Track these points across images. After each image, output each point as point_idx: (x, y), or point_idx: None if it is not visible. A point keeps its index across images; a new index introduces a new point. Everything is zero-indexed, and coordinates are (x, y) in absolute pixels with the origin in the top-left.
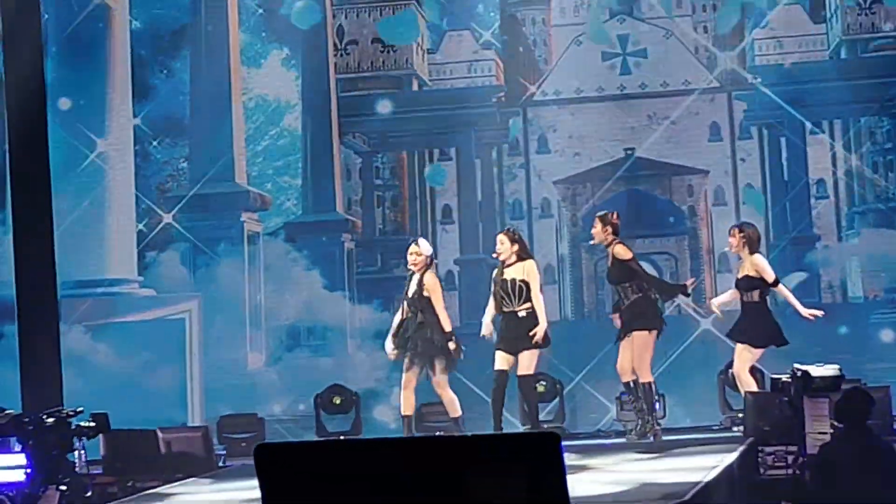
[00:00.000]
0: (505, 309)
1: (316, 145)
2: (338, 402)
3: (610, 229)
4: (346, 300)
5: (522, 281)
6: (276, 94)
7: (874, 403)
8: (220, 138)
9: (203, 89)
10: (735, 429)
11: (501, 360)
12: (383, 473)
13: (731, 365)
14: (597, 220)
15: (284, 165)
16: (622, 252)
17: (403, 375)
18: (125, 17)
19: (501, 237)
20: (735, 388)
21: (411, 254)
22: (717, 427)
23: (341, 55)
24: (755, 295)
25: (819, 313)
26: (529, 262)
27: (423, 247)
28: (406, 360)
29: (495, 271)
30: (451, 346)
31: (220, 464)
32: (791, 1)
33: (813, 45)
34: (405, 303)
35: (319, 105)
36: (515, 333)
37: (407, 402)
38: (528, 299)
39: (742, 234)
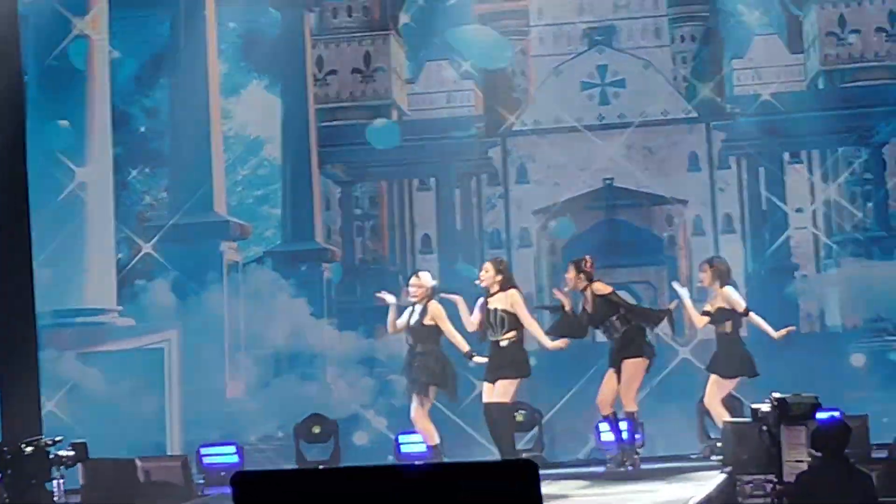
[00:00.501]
0: (490, 338)
1: (295, 175)
2: (317, 431)
3: (583, 276)
4: (327, 329)
5: (504, 311)
6: (255, 124)
7: (851, 432)
8: (199, 168)
9: (183, 118)
10: (714, 458)
11: (486, 392)
12: (361, 502)
13: None
14: (570, 266)
15: (264, 195)
16: (601, 287)
17: (413, 410)
18: (105, 47)
19: (487, 265)
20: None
21: (412, 285)
22: (695, 456)
23: (321, 85)
24: (728, 326)
25: (791, 328)
26: (513, 292)
27: (425, 278)
28: (413, 394)
29: (480, 300)
30: (480, 359)
31: (200, 493)
32: (769, 32)
33: (791, 75)
34: (406, 333)
35: (299, 135)
36: (498, 363)
37: (430, 433)
38: (511, 329)
39: (712, 269)
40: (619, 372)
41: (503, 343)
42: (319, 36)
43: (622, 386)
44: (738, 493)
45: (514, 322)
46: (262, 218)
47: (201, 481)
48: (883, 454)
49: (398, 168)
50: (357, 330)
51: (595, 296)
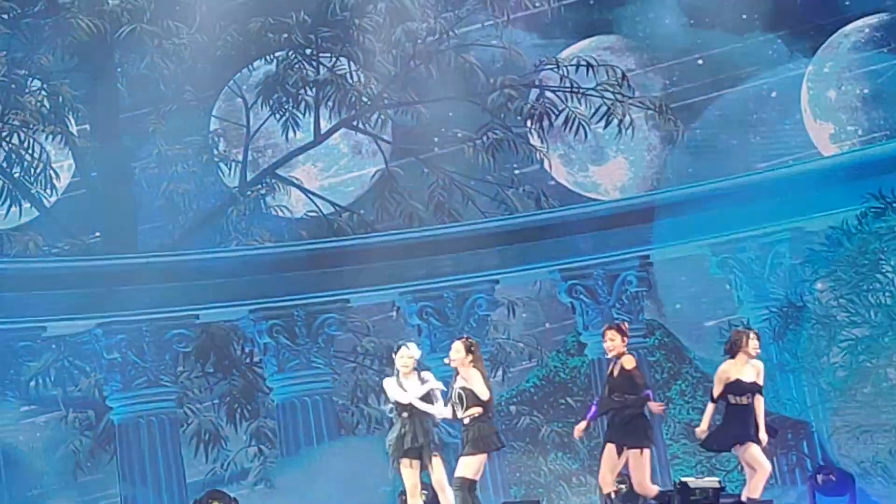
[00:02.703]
0: (458, 416)
1: None
2: None
3: (625, 341)
4: None
5: (463, 388)
6: None
7: None
8: None
9: None
10: None
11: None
12: None
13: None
14: (613, 330)
15: None
16: (630, 362)
17: (410, 482)
18: None
19: (457, 345)
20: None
21: (404, 356)
22: None
23: None
24: (744, 399)
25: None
26: (473, 371)
27: (414, 349)
28: (407, 462)
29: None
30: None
31: None
32: None
33: None
34: (404, 406)
35: None
36: (464, 440)
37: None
38: (470, 405)
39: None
40: (619, 450)
41: (465, 420)
42: None
43: (635, 480)
44: None
45: (473, 398)
46: None
47: None
48: None
49: None
50: None
51: (622, 367)
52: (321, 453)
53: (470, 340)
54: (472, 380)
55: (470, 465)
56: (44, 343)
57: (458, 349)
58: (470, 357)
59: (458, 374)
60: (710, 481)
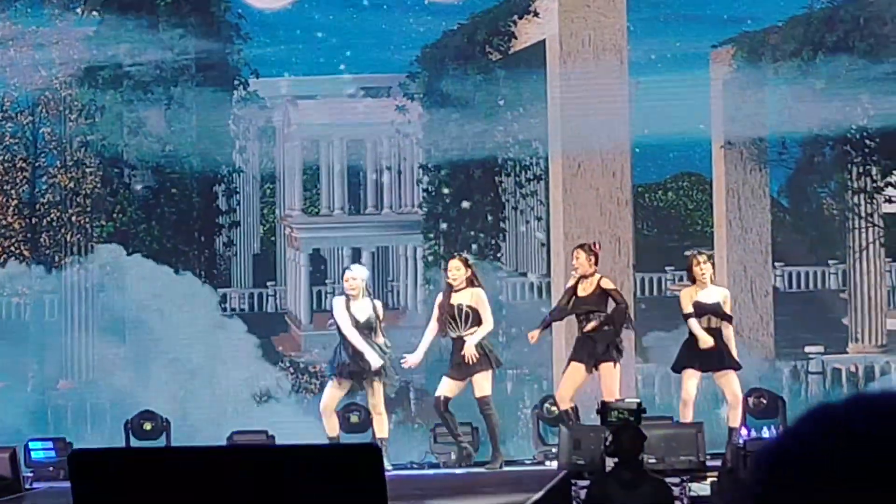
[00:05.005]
0: (452, 334)
1: None
2: (148, 427)
3: (594, 261)
4: None
5: (470, 307)
6: None
7: (644, 439)
8: None
9: None
10: (548, 463)
11: (447, 387)
12: (198, 482)
13: (545, 399)
14: (580, 251)
15: None
16: (608, 282)
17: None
18: None
19: (456, 263)
20: (550, 422)
21: (351, 279)
22: (529, 462)
23: None
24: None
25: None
26: (479, 291)
27: (361, 271)
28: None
29: (440, 296)
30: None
31: (28, 486)
32: None
33: None
34: (358, 328)
35: None
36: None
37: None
38: (474, 325)
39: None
40: (589, 370)
41: (468, 339)
42: None
43: (609, 393)
44: (573, 497)
45: (477, 318)
46: None
47: (30, 475)
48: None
49: None
50: None
51: (598, 286)
52: None
53: (466, 256)
54: (481, 302)
55: (488, 383)
56: None
57: (458, 267)
58: (469, 273)
59: (452, 290)
60: (629, 402)
